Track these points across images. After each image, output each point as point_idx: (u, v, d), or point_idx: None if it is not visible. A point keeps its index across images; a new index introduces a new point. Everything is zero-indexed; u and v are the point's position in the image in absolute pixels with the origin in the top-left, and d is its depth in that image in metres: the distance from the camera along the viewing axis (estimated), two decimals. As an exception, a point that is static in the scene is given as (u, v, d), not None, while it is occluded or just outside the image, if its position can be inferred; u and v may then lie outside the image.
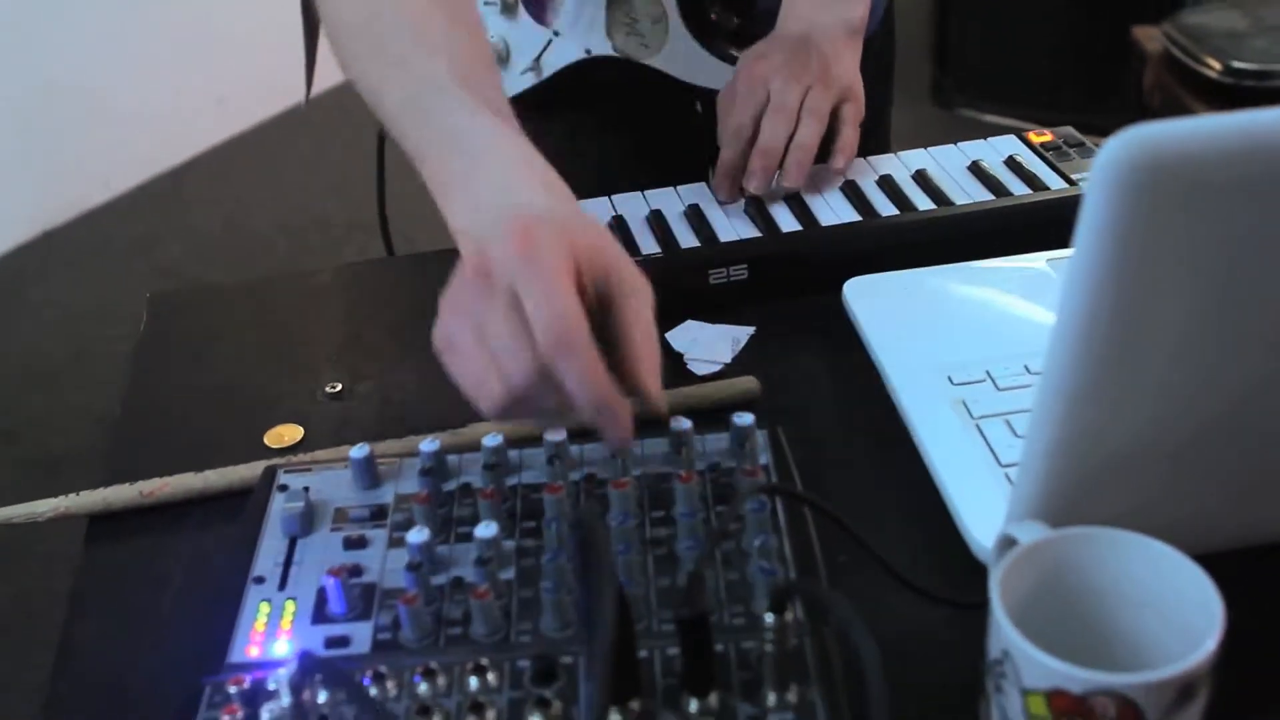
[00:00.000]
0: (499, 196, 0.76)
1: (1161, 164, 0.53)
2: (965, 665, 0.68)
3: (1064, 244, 0.98)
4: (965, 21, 3.25)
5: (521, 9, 1.24)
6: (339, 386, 0.94)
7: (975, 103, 3.28)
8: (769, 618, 0.59)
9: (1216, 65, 2.14)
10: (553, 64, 1.23)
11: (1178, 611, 0.59)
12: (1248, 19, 2.26)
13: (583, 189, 0.83)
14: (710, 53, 1.18)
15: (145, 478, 0.85)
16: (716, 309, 0.97)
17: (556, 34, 1.23)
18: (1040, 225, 1.00)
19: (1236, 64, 2.13)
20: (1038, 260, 0.97)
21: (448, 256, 0.87)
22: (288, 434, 0.90)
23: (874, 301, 0.94)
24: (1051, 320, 0.58)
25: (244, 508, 0.80)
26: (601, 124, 1.26)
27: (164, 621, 0.77)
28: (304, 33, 1.35)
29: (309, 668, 0.57)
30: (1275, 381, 0.63)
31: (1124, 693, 0.54)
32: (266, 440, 0.90)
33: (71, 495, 0.85)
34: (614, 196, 1.06)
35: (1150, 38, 2.35)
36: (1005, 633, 0.56)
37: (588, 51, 1.22)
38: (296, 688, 0.58)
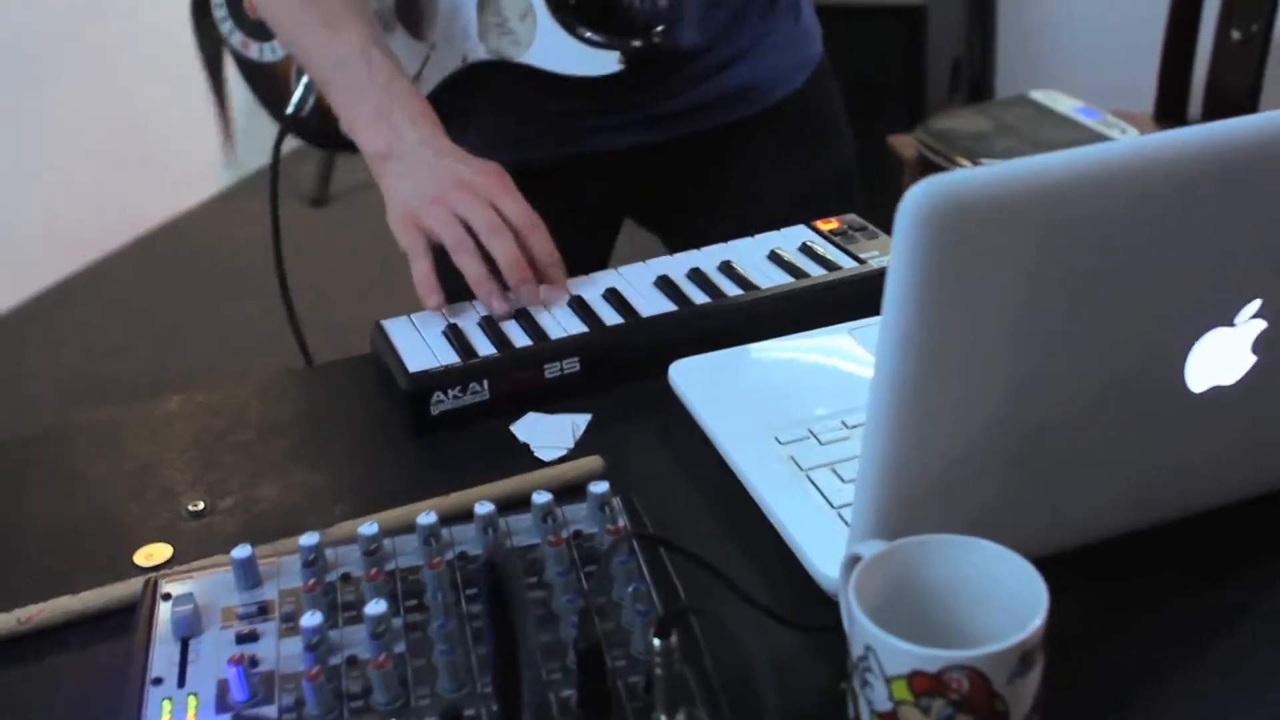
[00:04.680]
0: (439, 147, 1.17)
1: (954, 206, 0.63)
2: (822, 683, 0.75)
3: (862, 315, 1.09)
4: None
5: (398, 25, 1.31)
6: (201, 505, 0.98)
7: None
8: (657, 643, 0.66)
9: (967, 164, 2.32)
10: (434, 77, 1.31)
11: (1009, 600, 0.67)
12: (990, 121, 2.45)
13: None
14: (577, 39, 1.26)
15: (18, 608, 0.87)
16: (554, 400, 1.04)
17: (434, 47, 1.30)
18: (839, 300, 1.10)
19: (985, 161, 2.31)
20: (840, 332, 1.07)
21: (280, 384, 0.93)
22: (157, 553, 0.93)
23: (698, 380, 1.03)
24: (859, 381, 0.67)
25: (124, 627, 0.82)
26: (486, 142, 1.32)
27: (62, 735, 0.79)
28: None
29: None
30: (1078, 399, 0.72)
31: (973, 665, 0.62)
32: (136, 560, 0.92)
33: (-54, 629, 0.86)
34: (445, 308, 1.12)
35: (905, 145, 2.53)
36: (865, 629, 0.64)
37: (464, 59, 1.30)
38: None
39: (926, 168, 2.41)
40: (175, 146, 4.00)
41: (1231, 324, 0.75)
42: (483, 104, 1.34)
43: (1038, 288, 0.68)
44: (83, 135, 3.79)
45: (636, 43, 1.25)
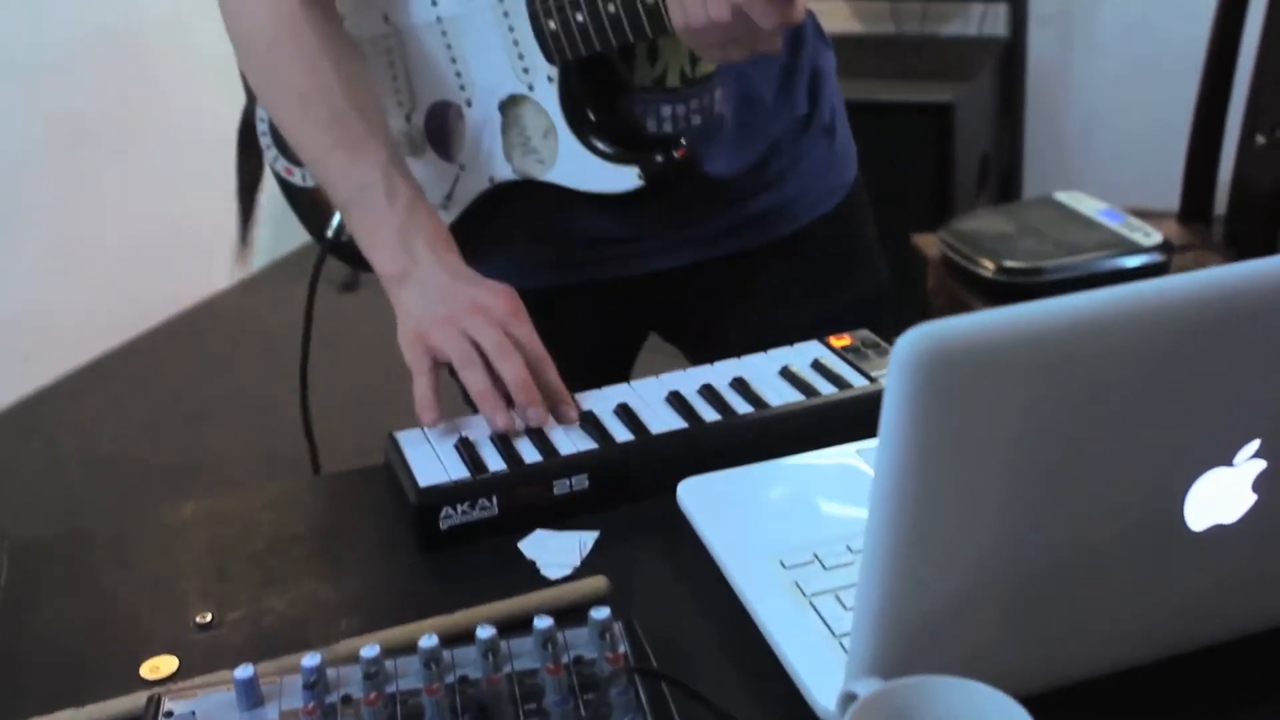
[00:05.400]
0: (454, 270, 1.19)
1: (946, 355, 0.63)
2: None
3: (870, 435, 1.09)
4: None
5: (428, 147, 1.33)
6: (209, 617, 0.98)
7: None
8: (647, 782, 0.66)
9: (990, 265, 2.33)
10: (464, 197, 1.33)
11: (1001, 744, 0.67)
12: (1013, 222, 2.46)
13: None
14: (597, 156, 1.27)
15: (22, 719, 0.88)
16: (562, 516, 1.05)
17: (463, 167, 1.32)
18: (848, 419, 1.11)
19: (1008, 263, 2.32)
20: (848, 451, 1.08)
21: (293, 494, 0.94)
22: (163, 665, 0.94)
23: (706, 500, 1.03)
24: (862, 500, 0.68)
25: (127, 740, 0.83)
26: (516, 266, 1.35)
27: None
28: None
29: None
30: (1075, 539, 0.73)
31: (962, 816, 0.62)
32: (142, 672, 0.93)
33: (-47, 743, 0.87)
34: (457, 420, 1.13)
35: (929, 244, 2.54)
36: (855, 775, 0.64)
37: (491, 180, 1.32)
38: None
39: (949, 268, 2.42)
40: (209, 228, 4.05)
41: (1231, 464, 0.75)
42: (512, 227, 1.36)
43: (1033, 431, 0.68)
44: (118, 218, 3.86)
45: (658, 157, 1.27)
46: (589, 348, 1.41)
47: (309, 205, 1.46)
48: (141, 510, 3.09)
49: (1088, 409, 0.69)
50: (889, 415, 0.65)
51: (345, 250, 1.41)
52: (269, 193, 1.58)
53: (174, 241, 4.01)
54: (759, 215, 1.40)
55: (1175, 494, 0.75)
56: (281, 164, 1.46)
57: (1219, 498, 0.76)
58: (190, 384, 3.72)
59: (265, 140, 1.46)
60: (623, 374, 1.50)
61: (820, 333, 1.25)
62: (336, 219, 1.37)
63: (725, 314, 1.46)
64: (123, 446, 3.43)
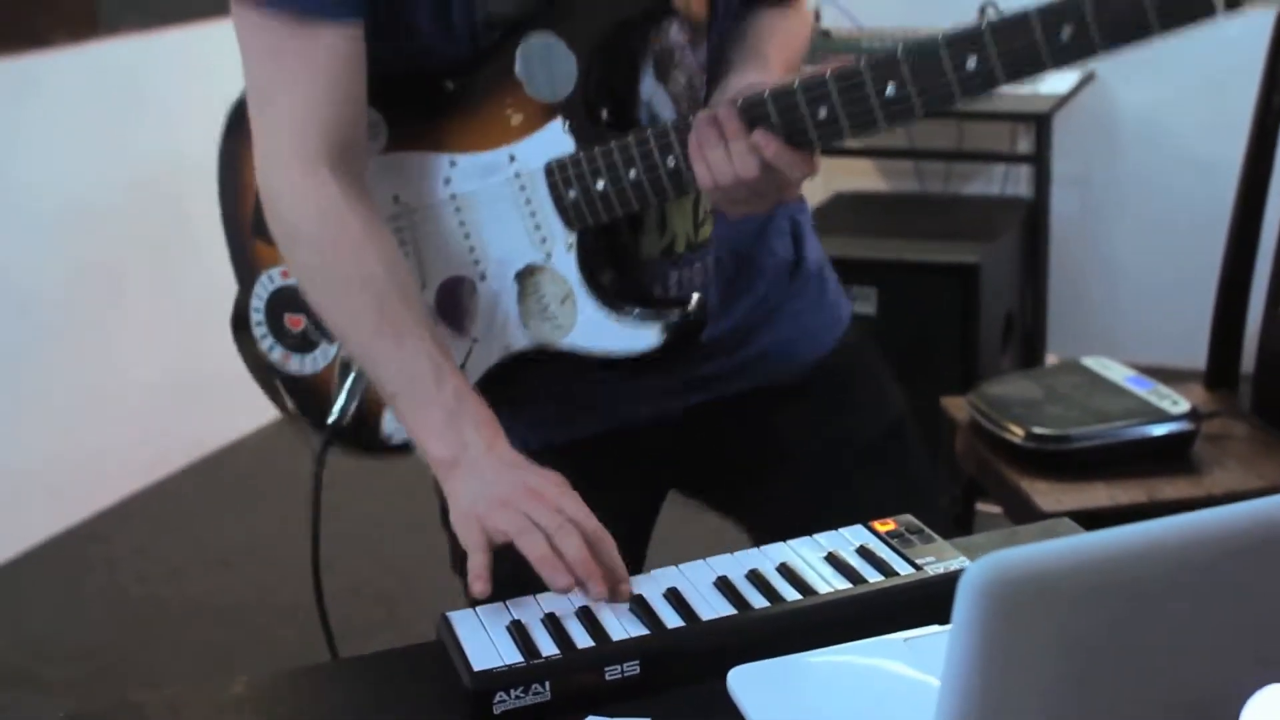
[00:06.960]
0: (504, 456, 1.22)
1: (1011, 585, 0.66)
2: None
3: (916, 623, 1.11)
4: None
5: (439, 322, 1.35)
6: (265, 800, 1.00)
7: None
8: None
9: (1019, 432, 2.34)
10: (476, 371, 1.35)
11: None
12: (1041, 388, 2.48)
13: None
14: (616, 318, 1.30)
15: None
16: (613, 701, 1.06)
17: (475, 340, 1.34)
18: (895, 607, 1.12)
19: (1037, 430, 2.33)
20: (896, 640, 1.09)
21: (342, 671, 0.97)
22: None
23: (756, 689, 1.04)
24: (914, 695, 0.70)
25: None
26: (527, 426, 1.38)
27: None
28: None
29: None
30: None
31: None
32: None
33: None
34: (509, 602, 1.15)
35: (957, 407, 2.55)
36: None
37: (506, 349, 1.34)
38: None
39: (978, 433, 2.43)
40: (233, 373, 4.09)
41: (1285, 680, 0.77)
42: (523, 392, 1.39)
43: (1092, 651, 0.70)
44: (144, 362, 3.90)
45: (675, 314, 1.31)
46: (607, 503, 1.44)
47: (307, 392, 1.46)
48: (161, 641, 3.11)
49: (1144, 631, 0.71)
50: (956, 636, 0.67)
51: (347, 435, 1.41)
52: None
53: (198, 386, 4.04)
54: (759, 355, 1.46)
55: (1230, 709, 0.76)
56: (278, 352, 1.46)
57: (1274, 713, 0.78)
58: (213, 527, 3.73)
59: (260, 330, 1.46)
60: (643, 535, 1.53)
61: (850, 463, 1.32)
62: (338, 406, 1.36)
63: (742, 456, 1.50)
64: (146, 588, 3.43)
